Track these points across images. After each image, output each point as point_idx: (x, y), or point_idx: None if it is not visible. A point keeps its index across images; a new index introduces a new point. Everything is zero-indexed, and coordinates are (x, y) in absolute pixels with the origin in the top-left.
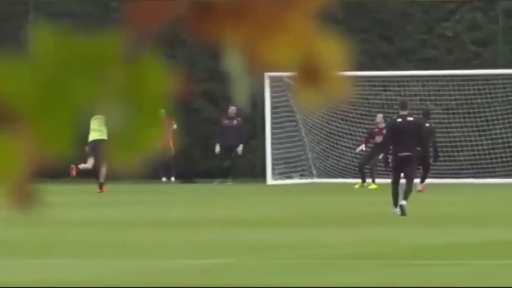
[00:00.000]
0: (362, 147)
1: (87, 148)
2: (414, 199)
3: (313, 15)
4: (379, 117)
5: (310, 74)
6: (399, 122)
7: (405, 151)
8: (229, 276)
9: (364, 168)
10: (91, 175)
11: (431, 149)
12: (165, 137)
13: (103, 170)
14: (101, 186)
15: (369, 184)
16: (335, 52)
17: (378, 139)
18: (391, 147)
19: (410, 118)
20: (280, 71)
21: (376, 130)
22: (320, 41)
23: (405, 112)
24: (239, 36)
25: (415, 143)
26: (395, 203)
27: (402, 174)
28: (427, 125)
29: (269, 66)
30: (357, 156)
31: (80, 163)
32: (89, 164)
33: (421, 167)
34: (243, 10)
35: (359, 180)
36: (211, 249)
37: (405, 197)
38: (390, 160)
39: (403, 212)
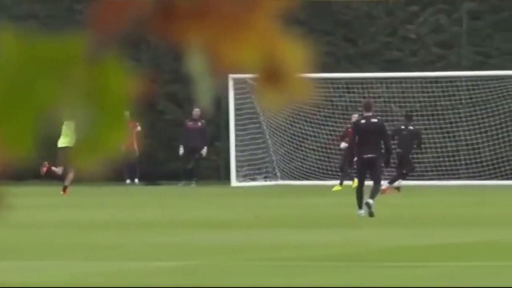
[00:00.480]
0: (345, 144)
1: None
2: (379, 200)
3: (276, 16)
4: (355, 117)
5: (273, 75)
6: (363, 123)
7: (370, 153)
8: (195, 278)
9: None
10: (58, 177)
11: (415, 151)
12: (129, 139)
13: (71, 176)
14: (64, 189)
15: (334, 185)
16: (298, 54)
17: None
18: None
19: (374, 120)
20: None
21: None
22: (283, 42)
23: (370, 114)
24: (202, 37)
25: (379, 145)
26: (359, 205)
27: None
28: (411, 128)
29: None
30: (321, 158)
31: (52, 163)
32: (59, 170)
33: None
34: (205, 11)
35: (324, 182)
36: (176, 251)
37: (372, 197)
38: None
39: (370, 210)
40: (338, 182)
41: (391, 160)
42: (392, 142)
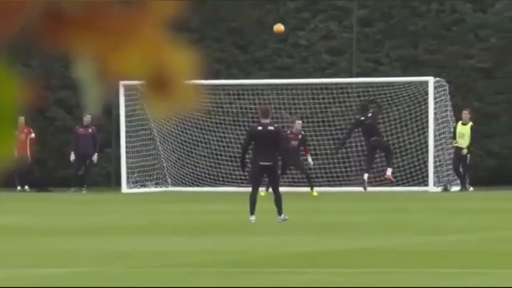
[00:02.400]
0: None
1: None
2: (267, 208)
3: (164, 24)
4: (298, 123)
5: (160, 83)
6: (260, 130)
7: (266, 161)
8: (87, 284)
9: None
10: None
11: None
12: (22, 145)
13: None
14: None
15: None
16: (185, 61)
17: (294, 143)
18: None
19: (271, 128)
20: (133, 80)
21: (292, 135)
22: (170, 50)
23: (267, 121)
24: (90, 45)
25: (275, 152)
26: (252, 211)
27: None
28: (370, 115)
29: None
30: (212, 165)
31: None
32: None
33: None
34: (93, 19)
35: (214, 188)
36: (68, 258)
37: (280, 211)
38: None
39: (284, 220)
40: (229, 188)
41: (286, 168)
42: (353, 133)
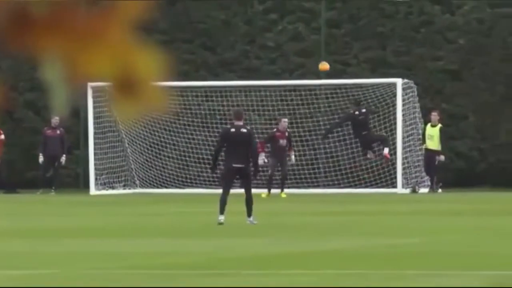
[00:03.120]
0: (263, 158)
1: None
2: (234, 209)
3: (131, 26)
4: (284, 121)
5: (127, 85)
6: (233, 132)
7: (239, 163)
8: (54, 286)
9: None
10: None
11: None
12: None
13: None
14: None
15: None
16: (152, 63)
17: (282, 142)
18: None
19: (244, 130)
20: (101, 82)
21: (279, 133)
22: (137, 52)
23: (240, 123)
24: (57, 47)
25: (248, 155)
26: (221, 211)
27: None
28: (364, 110)
29: (87, 77)
30: (180, 167)
31: None
32: None
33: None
34: (61, 22)
35: (182, 190)
36: (35, 259)
37: (249, 213)
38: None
39: (253, 223)
40: (198, 190)
41: (259, 170)
42: (344, 127)
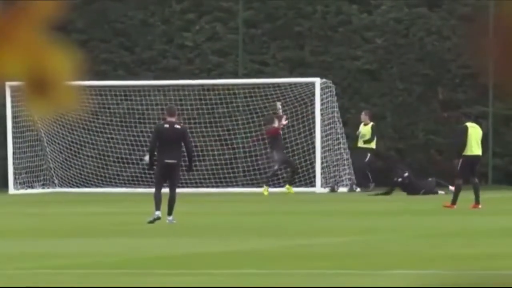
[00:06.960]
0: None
1: None
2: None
3: (43, 25)
4: (278, 103)
5: (39, 84)
6: (166, 128)
7: (171, 158)
8: None
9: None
10: None
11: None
12: None
13: None
14: None
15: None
16: (65, 62)
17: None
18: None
19: (178, 126)
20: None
21: (281, 125)
22: (50, 51)
23: (173, 119)
24: None
25: (180, 151)
26: (157, 207)
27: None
28: None
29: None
30: (99, 166)
31: None
32: None
33: None
34: None
35: (101, 189)
36: None
37: (170, 212)
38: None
39: (172, 222)
40: (117, 189)
41: (194, 165)
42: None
